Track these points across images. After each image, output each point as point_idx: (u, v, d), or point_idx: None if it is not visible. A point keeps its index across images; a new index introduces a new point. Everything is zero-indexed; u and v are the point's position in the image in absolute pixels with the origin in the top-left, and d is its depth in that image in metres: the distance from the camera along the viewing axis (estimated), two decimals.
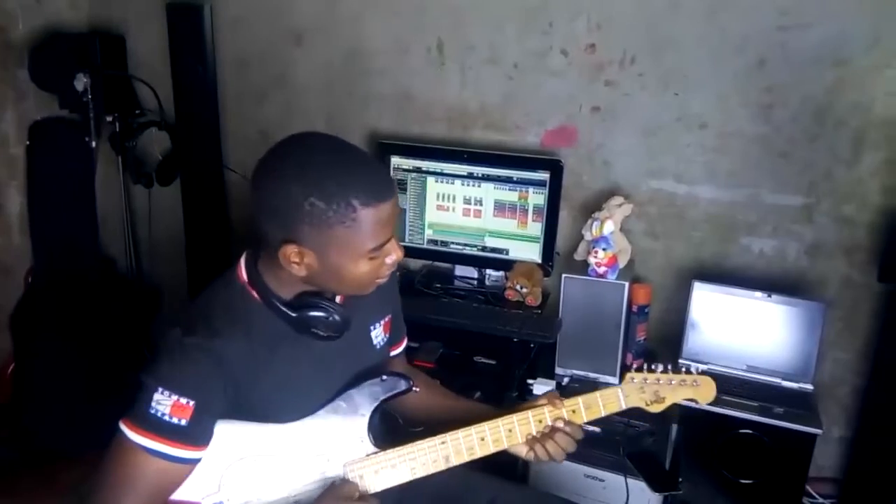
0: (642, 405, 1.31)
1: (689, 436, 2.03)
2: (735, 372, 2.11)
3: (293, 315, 1.18)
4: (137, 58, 2.76)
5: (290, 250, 1.12)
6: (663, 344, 2.31)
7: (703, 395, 1.32)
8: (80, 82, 2.55)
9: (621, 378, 2.11)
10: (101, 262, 2.88)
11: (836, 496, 2.26)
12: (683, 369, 1.32)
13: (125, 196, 2.83)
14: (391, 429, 1.40)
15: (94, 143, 2.68)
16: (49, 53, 2.59)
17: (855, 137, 2.10)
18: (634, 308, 2.19)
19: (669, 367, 1.32)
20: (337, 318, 1.19)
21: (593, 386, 2.15)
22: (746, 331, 2.11)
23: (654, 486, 1.94)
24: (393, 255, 1.17)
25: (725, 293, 2.13)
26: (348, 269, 1.14)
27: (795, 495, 2.01)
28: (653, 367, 1.31)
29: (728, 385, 2.05)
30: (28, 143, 2.68)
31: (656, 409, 1.31)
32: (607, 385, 2.14)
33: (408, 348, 1.53)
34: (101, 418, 1.21)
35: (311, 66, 2.62)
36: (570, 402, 1.29)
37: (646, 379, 1.30)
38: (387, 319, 1.40)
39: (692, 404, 1.34)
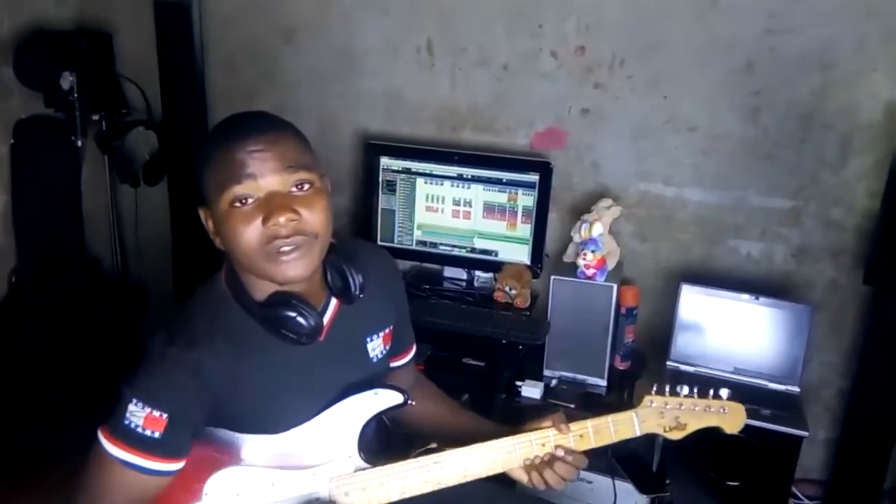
0: (660, 431, 1.20)
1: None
2: (722, 374, 2.12)
3: (262, 314, 1.14)
4: (124, 56, 2.74)
5: (202, 214, 1.14)
6: (651, 346, 2.31)
7: (730, 423, 1.21)
8: (66, 80, 2.52)
9: (611, 378, 2.16)
10: (86, 263, 2.85)
11: (821, 498, 2.28)
12: (711, 393, 1.20)
13: (111, 196, 2.81)
14: (387, 443, 1.36)
15: (79, 142, 2.65)
16: (34, 51, 2.57)
17: (842, 141, 2.11)
18: (623, 310, 2.20)
19: (695, 390, 1.20)
20: (309, 319, 1.12)
21: (580, 387, 2.17)
22: (734, 333, 2.12)
23: (642, 487, 1.94)
24: (279, 218, 1.04)
25: (713, 295, 2.13)
26: (223, 223, 1.08)
27: (781, 497, 2.02)
28: (677, 389, 1.20)
29: (715, 387, 2.04)
30: (12, 141, 2.65)
31: (675, 436, 1.20)
32: (595, 387, 2.18)
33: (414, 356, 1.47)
34: (85, 421, 1.20)
35: (300, 65, 2.61)
36: (577, 427, 1.20)
37: (666, 403, 1.20)
38: (387, 331, 1.33)
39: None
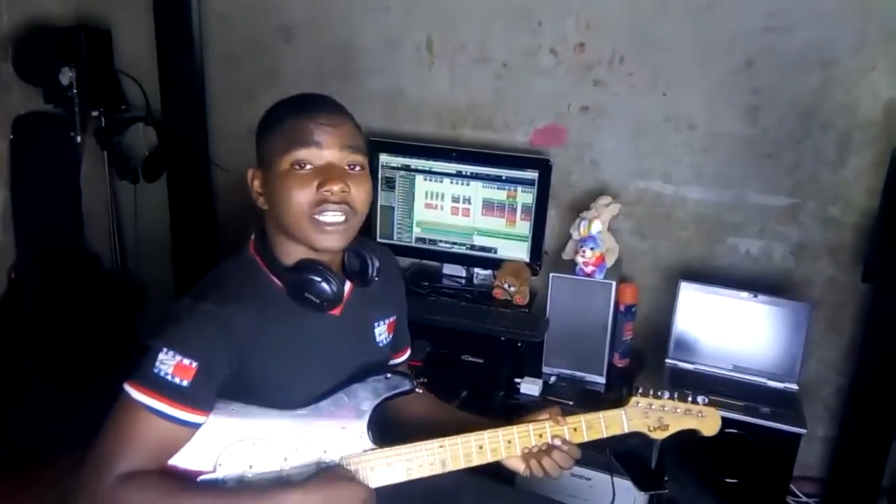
0: (645, 430, 1.30)
1: (675, 435, 2.03)
2: (721, 371, 2.12)
3: (288, 278, 1.20)
4: (124, 52, 2.73)
5: (252, 174, 1.23)
6: (650, 343, 2.32)
7: (707, 426, 1.32)
8: (66, 76, 2.53)
9: (609, 375, 2.16)
10: (85, 259, 2.85)
11: (819, 495, 2.28)
12: (689, 398, 1.30)
13: (111, 192, 2.81)
14: (390, 429, 1.39)
15: (79, 138, 2.65)
16: (34, 47, 2.56)
17: (841, 139, 2.12)
18: (621, 307, 2.20)
19: (676, 394, 1.30)
20: (332, 285, 1.19)
21: (579, 384, 2.17)
22: (732, 331, 2.12)
23: (640, 485, 1.94)
24: (333, 186, 1.16)
25: (712, 293, 2.13)
26: (279, 181, 1.17)
27: (780, 494, 2.02)
28: (659, 393, 1.30)
29: (714, 385, 2.06)
30: (12, 137, 2.65)
31: (659, 435, 1.30)
32: (594, 384, 2.18)
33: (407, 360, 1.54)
34: (83, 417, 1.20)
35: (300, 62, 2.61)
36: (572, 420, 1.28)
37: (651, 404, 1.30)
38: (391, 319, 1.41)
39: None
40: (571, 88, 2.33)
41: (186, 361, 1.10)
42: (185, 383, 1.10)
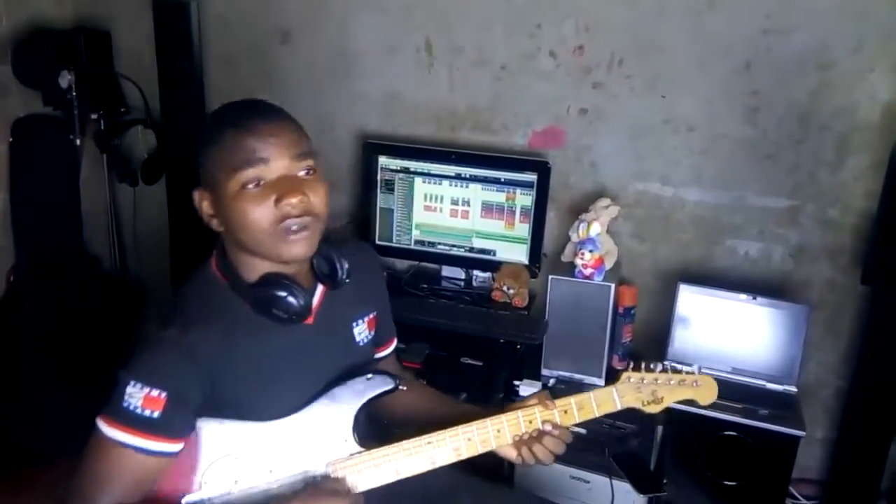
0: (639, 405, 1.26)
1: (674, 437, 2.04)
2: (720, 374, 2.12)
3: (253, 296, 1.17)
4: (123, 55, 2.74)
5: (198, 196, 1.18)
6: (649, 345, 2.31)
7: (703, 395, 1.27)
8: (65, 79, 2.52)
9: (609, 377, 2.16)
10: (85, 261, 2.85)
11: (818, 498, 2.28)
12: (684, 369, 1.27)
13: (110, 194, 2.81)
14: (378, 428, 1.38)
15: (78, 141, 2.65)
16: (33, 50, 2.56)
17: (839, 141, 2.12)
18: (620, 309, 2.20)
19: (669, 366, 1.28)
20: (298, 298, 1.16)
21: (579, 387, 2.17)
22: (731, 333, 2.12)
23: (639, 487, 1.94)
24: (291, 199, 1.10)
25: (711, 295, 2.14)
26: (233, 204, 1.12)
27: (779, 497, 2.02)
28: (651, 366, 1.27)
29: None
30: (11, 140, 2.65)
31: (653, 409, 1.26)
32: (593, 386, 2.17)
33: (395, 349, 1.52)
34: (83, 419, 1.20)
35: (298, 64, 2.61)
36: (561, 403, 1.25)
37: (643, 378, 1.26)
38: (371, 316, 1.38)
39: (689, 408, 1.29)
40: (570, 91, 2.33)
41: (155, 392, 1.09)
42: (155, 415, 1.09)
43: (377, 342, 1.42)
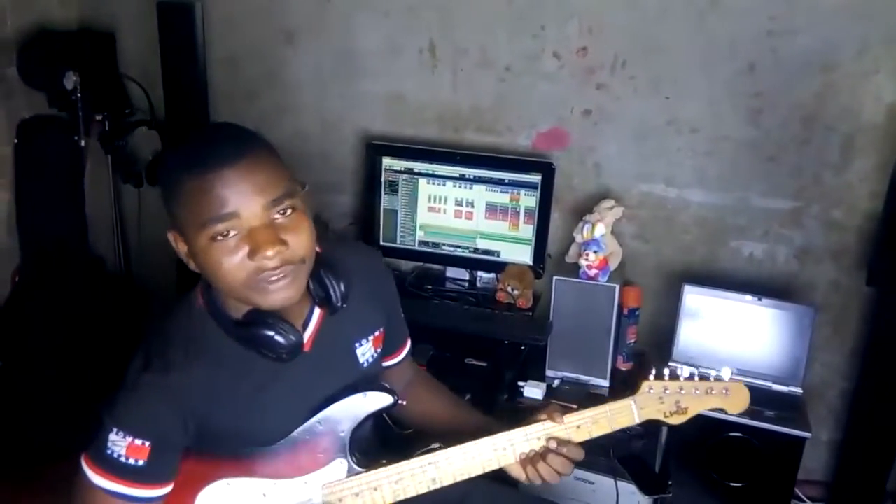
0: (660, 417, 1.17)
1: (679, 439, 2.03)
2: None
3: (239, 333, 1.10)
4: (128, 56, 2.74)
5: (173, 237, 1.08)
6: (654, 346, 2.31)
7: (734, 404, 1.19)
8: (70, 80, 2.53)
9: (613, 378, 2.15)
10: (89, 262, 2.85)
11: (824, 499, 2.27)
12: (712, 376, 1.17)
13: (114, 195, 2.81)
14: (380, 442, 1.35)
15: (83, 142, 2.66)
16: (38, 51, 2.57)
17: (844, 143, 2.11)
18: (625, 310, 2.20)
19: (696, 374, 1.18)
20: (287, 336, 1.08)
21: (583, 387, 2.17)
22: (736, 334, 2.12)
23: (644, 488, 1.94)
24: (267, 251, 0.99)
25: (715, 296, 2.13)
26: (204, 256, 1.02)
27: (784, 498, 2.01)
28: (677, 372, 1.17)
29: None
30: (16, 141, 2.66)
31: (676, 420, 1.17)
32: (598, 387, 2.18)
33: (409, 351, 1.47)
34: (88, 419, 1.20)
35: (302, 65, 2.61)
36: (575, 417, 1.17)
37: (666, 388, 1.17)
38: (378, 333, 1.29)
39: (720, 415, 1.20)
40: (574, 92, 2.33)
41: (138, 442, 1.05)
42: (140, 463, 1.06)
43: (386, 352, 1.35)
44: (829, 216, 2.17)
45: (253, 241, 1.00)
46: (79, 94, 2.55)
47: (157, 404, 1.07)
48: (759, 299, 2.09)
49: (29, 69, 2.58)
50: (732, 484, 1.99)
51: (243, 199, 0.99)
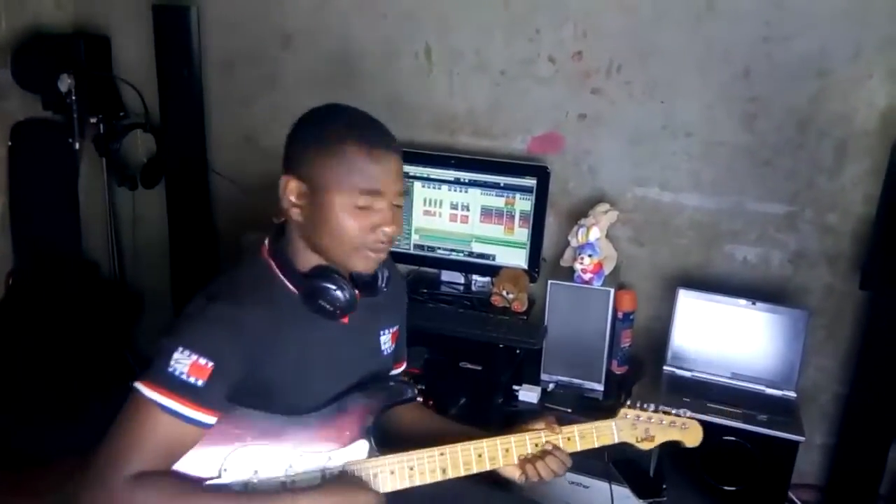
0: (633, 441, 1.36)
1: (661, 446, 2.03)
2: (719, 379, 2.12)
3: (304, 284, 1.21)
4: (122, 59, 2.74)
5: (289, 182, 1.19)
6: (648, 351, 2.32)
7: (689, 438, 1.39)
8: (64, 83, 2.52)
9: (608, 382, 2.16)
10: (83, 266, 2.85)
11: (818, 502, 2.28)
12: (674, 412, 1.38)
13: (109, 199, 2.81)
14: (386, 437, 1.39)
15: (77, 145, 2.65)
16: (32, 54, 2.57)
17: (837, 147, 2.12)
18: (620, 314, 2.20)
19: (661, 408, 1.38)
20: (346, 293, 1.20)
21: (578, 391, 2.17)
22: (730, 338, 2.12)
23: (639, 492, 1.94)
24: (386, 227, 1.19)
25: (710, 300, 2.14)
26: (336, 215, 1.17)
27: (778, 502, 2.01)
28: (645, 405, 1.37)
29: (712, 392, 2.06)
30: (10, 143, 2.65)
31: (646, 446, 1.36)
32: (592, 391, 2.18)
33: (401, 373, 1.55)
34: (80, 423, 1.20)
35: (298, 69, 2.62)
36: (565, 431, 1.33)
37: (638, 416, 1.36)
38: (395, 329, 1.42)
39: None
40: (569, 96, 2.33)
41: (202, 361, 1.10)
42: (200, 383, 1.09)
43: (395, 357, 1.46)
44: (823, 220, 2.18)
45: (383, 218, 1.19)
46: (73, 97, 2.54)
47: (224, 332, 1.13)
48: (754, 303, 2.09)
49: (23, 72, 2.57)
50: (727, 487, 1.99)
51: (392, 182, 1.20)
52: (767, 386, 2.09)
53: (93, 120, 2.65)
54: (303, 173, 1.19)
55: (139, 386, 1.10)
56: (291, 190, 1.20)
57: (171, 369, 1.09)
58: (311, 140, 1.20)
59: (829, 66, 2.07)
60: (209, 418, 1.12)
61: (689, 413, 1.39)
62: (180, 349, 1.10)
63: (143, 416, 1.09)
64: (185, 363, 1.09)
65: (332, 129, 1.20)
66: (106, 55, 2.70)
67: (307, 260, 1.23)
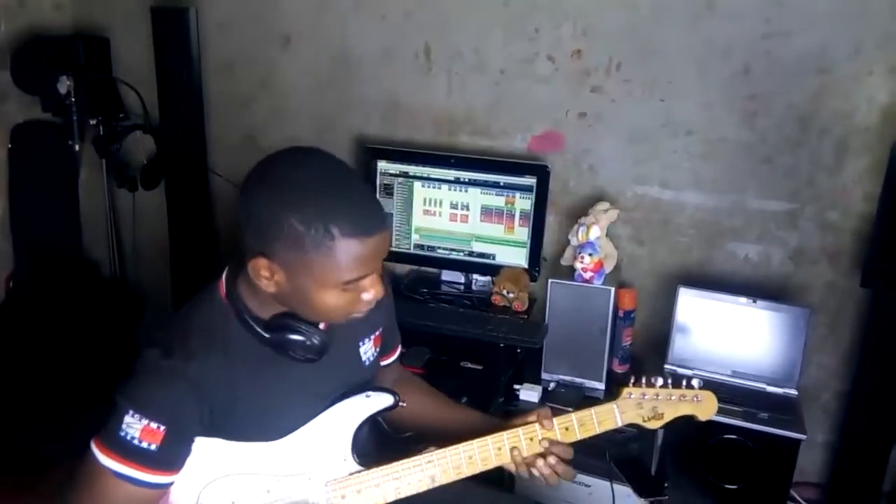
0: (639, 421, 1.26)
1: (675, 441, 2.03)
2: (720, 377, 2.12)
3: (268, 336, 1.14)
4: (122, 61, 2.74)
5: (261, 264, 1.07)
6: (649, 349, 2.31)
7: (703, 410, 1.27)
8: (64, 85, 2.53)
9: (609, 380, 2.16)
10: (83, 267, 2.85)
11: (819, 501, 2.28)
12: (684, 383, 1.26)
13: (109, 200, 2.81)
14: (380, 441, 1.38)
15: (77, 147, 2.65)
16: (32, 55, 2.57)
17: (838, 144, 2.12)
18: (620, 313, 2.20)
19: (669, 381, 1.26)
20: (315, 341, 1.13)
21: (579, 390, 2.17)
22: (732, 336, 2.12)
23: (640, 491, 1.94)
24: (371, 293, 1.11)
25: (711, 298, 2.13)
26: (318, 297, 1.08)
27: (780, 500, 2.01)
28: (652, 380, 1.26)
29: (713, 390, 2.05)
30: (10, 146, 2.65)
31: (654, 425, 1.26)
32: (593, 390, 2.18)
33: (399, 355, 1.51)
34: (82, 426, 1.20)
35: (297, 70, 2.61)
36: (563, 419, 1.24)
37: (644, 394, 1.25)
38: (377, 333, 1.36)
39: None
40: (569, 95, 2.33)
41: (154, 425, 1.06)
42: (153, 447, 1.06)
43: (382, 352, 1.41)
44: (824, 218, 2.17)
45: (371, 289, 1.11)
46: (73, 99, 2.55)
47: (176, 390, 1.08)
48: (755, 301, 2.09)
49: (23, 73, 2.57)
50: (728, 486, 1.99)
51: (375, 265, 1.10)
52: (768, 384, 2.09)
53: (92, 121, 2.66)
54: (278, 260, 1.06)
55: (95, 449, 1.08)
56: (264, 271, 1.08)
57: (122, 433, 1.06)
58: (283, 219, 1.03)
59: (830, 62, 2.07)
60: (167, 478, 1.11)
61: (701, 382, 1.26)
62: (130, 412, 1.06)
63: (99, 481, 1.08)
64: (137, 427, 1.05)
65: (312, 212, 1.03)
66: (105, 57, 2.70)
67: (266, 306, 1.14)
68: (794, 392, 2.07)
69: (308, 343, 1.13)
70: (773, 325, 2.09)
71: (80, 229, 2.80)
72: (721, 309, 2.12)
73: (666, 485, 1.97)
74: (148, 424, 1.06)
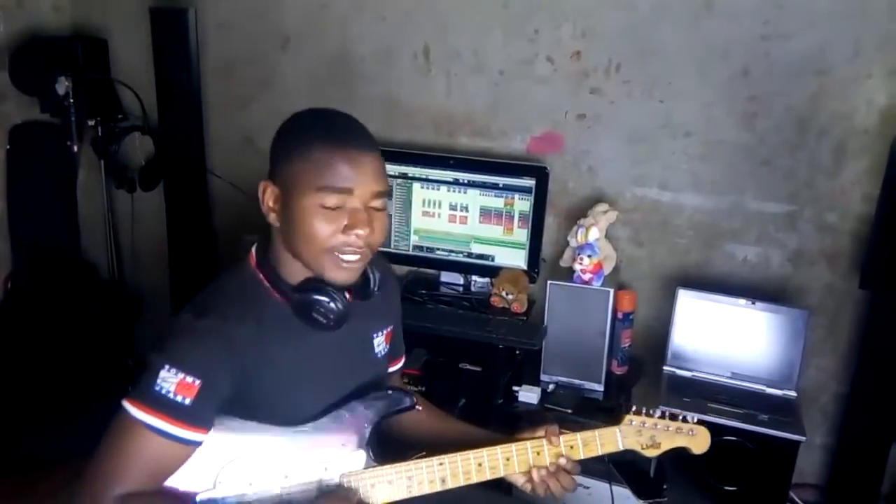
0: (638, 448, 1.31)
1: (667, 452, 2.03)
2: (719, 379, 2.12)
3: (296, 296, 1.19)
4: (121, 62, 2.73)
5: (266, 187, 1.18)
6: (648, 351, 2.31)
7: (697, 444, 1.32)
8: (62, 86, 2.52)
9: (608, 382, 2.15)
10: (82, 268, 2.84)
11: (818, 502, 2.28)
12: (681, 417, 1.32)
13: (107, 201, 2.80)
14: (388, 445, 1.38)
15: (75, 148, 2.64)
16: (30, 56, 2.56)
17: (837, 146, 2.12)
18: (619, 315, 2.20)
19: (668, 413, 1.32)
20: (338, 304, 1.18)
21: (578, 392, 2.17)
22: (731, 338, 2.12)
23: (639, 493, 1.94)
24: (359, 230, 1.13)
25: (710, 300, 2.13)
26: (304, 214, 1.13)
27: (779, 501, 2.01)
28: (651, 411, 1.32)
29: (712, 392, 2.06)
30: (8, 147, 2.65)
31: (651, 453, 1.31)
32: (592, 392, 2.18)
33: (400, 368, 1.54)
34: (80, 426, 1.20)
35: (296, 71, 2.61)
36: (568, 438, 1.29)
37: (644, 423, 1.30)
38: (389, 330, 1.40)
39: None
40: (568, 96, 2.33)
41: (189, 379, 1.08)
42: (187, 401, 1.08)
43: (390, 357, 1.44)
44: (823, 219, 2.18)
45: (353, 218, 1.14)
46: (71, 100, 2.54)
47: (212, 347, 1.11)
48: (753, 303, 2.09)
49: (21, 74, 2.57)
50: (727, 487, 1.99)
51: (362, 181, 1.14)
52: (767, 386, 2.09)
53: (91, 122, 2.65)
54: (277, 178, 1.17)
55: (127, 405, 1.09)
56: (268, 195, 1.18)
57: (157, 388, 1.08)
58: (283, 143, 1.19)
59: (829, 64, 2.07)
60: (197, 436, 1.11)
61: (696, 418, 1.33)
62: (167, 367, 1.08)
63: (130, 435, 1.08)
64: (172, 381, 1.08)
65: (303, 130, 1.18)
66: (104, 58, 2.69)
67: (294, 270, 1.20)
68: (793, 394, 2.07)
69: (331, 304, 1.17)
70: (772, 327, 2.09)
71: (79, 230, 2.79)
72: (720, 310, 2.12)
73: (665, 486, 1.97)
74: (184, 378, 1.08)
